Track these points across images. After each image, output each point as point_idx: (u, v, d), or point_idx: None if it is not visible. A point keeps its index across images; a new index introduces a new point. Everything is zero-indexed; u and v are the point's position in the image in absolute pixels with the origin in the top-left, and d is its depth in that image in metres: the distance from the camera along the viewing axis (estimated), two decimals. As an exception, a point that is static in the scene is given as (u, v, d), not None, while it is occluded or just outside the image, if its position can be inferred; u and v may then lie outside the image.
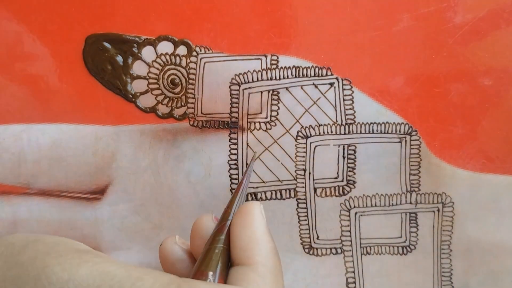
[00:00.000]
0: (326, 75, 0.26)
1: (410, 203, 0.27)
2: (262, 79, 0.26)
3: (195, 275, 0.17)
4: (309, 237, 0.27)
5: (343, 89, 0.26)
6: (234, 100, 0.26)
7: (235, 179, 0.27)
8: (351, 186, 0.27)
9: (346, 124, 0.26)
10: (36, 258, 0.16)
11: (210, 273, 0.17)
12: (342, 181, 0.27)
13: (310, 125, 0.26)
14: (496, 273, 0.27)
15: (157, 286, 0.15)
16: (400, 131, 0.26)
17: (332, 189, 0.27)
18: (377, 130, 0.26)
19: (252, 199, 0.27)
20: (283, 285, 0.18)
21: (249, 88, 0.26)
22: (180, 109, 0.26)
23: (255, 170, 0.27)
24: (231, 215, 0.20)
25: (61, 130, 0.26)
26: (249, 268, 0.18)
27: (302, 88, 0.26)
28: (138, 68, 0.26)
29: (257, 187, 0.27)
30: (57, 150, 0.26)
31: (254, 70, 0.26)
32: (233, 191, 0.24)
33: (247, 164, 0.27)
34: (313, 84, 0.26)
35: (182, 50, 0.26)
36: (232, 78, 0.26)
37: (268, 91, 0.26)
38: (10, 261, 0.16)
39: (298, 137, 0.26)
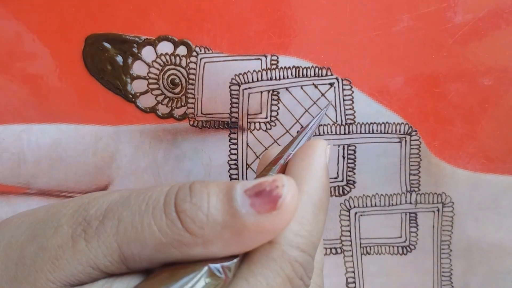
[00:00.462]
0: (326, 75, 0.26)
1: (410, 203, 0.27)
2: (262, 79, 0.26)
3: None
4: (309, 237, 0.27)
5: (343, 89, 0.26)
6: (234, 100, 0.26)
7: (235, 179, 0.27)
8: (351, 186, 0.27)
9: (346, 124, 0.26)
10: (70, 201, 0.16)
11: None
12: (342, 181, 0.27)
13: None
14: (496, 273, 0.27)
15: (174, 183, 0.15)
16: (400, 131, 0.26)
17: (332, 189, 0.27)
18: (377, 130, 0.26)
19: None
20: (324, 220, 0.18)
21: (249, 88, 0.26)
22: (180, 109, 0.26)
23: (254, 169, 0.27)
24: (290, 150, 0.20)
25: (61, 130, 0.26)
26: None
27: (302, 88, 0.26)
28: (138, 68, 0.26)
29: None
30: (57, 150, 0.26)
31: (254, 70, 0.26)
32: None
33: (247, 165, 0.27)
34: (313, 84, 0.26)
35: (182, 50, 0.26)
36: (232, 78, 0.26)
37: (268, 91, 0.26)
38: (36, 210, 0.17)
39: (298, 137, 0.26)
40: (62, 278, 0.14)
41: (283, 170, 0.19)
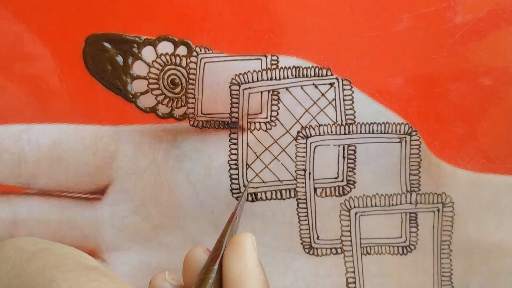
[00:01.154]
0: (326, 75, 0.26)
1: (410, 203, 0.27)
2: (262, 79, 0.26)
3: None
4: (309, 237, 0.27)
5: (343, 89, 0.26)
6: (234, 100, 0.26)
7: (235, 179, 0.27)
8: (351, 186, 0.27)
9: (346, 124, 0.26)
10: (44, 270, 0.16)
11: None
12: (342, 181, 0.27)
13: (310, 125, 0.26)
14: (496, 273, 0.27)
15: None
16: (400, 131, 0.26)
17: (332, 189, 0.27)
18: (377, 130, 0.26)
19: (253, 200, 0.27)
20: None
21: (249, 88, 0.26)
22: (180, 109, 0.26)
23: (255, 170, 0.27)
24: (224, 245, 0.20)
25: (61, 130, 0.26)
26: None
27: (302, 88, 0.26)
28: (138, 68, 0.26)
29: (257, 187, 0.27)
30: (57, 150, 0.26)
31: (254, 70, 0.26)
32: (227, 218, 0.24)
33: (247, 165, 0.27)
34: (313, 84, 0.26)
35: (182, 50, 0.26)
36: (232, 78, 0.26)
37: (268, 91, 0.26)
38: (17, 268, 0.16)
39: (298, 137, 0.26)
40: None
41: (220, 269, 0.19)
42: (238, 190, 0.27)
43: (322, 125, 0.26)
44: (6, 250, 0.17)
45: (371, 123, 0.26)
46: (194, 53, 0.26)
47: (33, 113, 0.26)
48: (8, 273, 0.16)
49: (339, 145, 0.26)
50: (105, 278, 0.16)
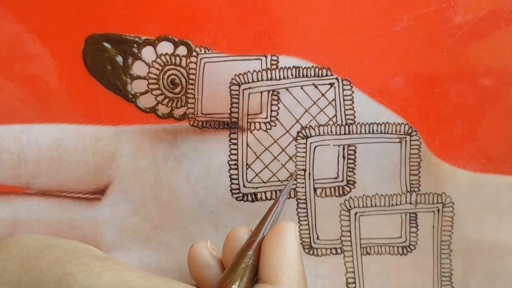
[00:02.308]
0: (326, 75, 0.26)
1: (410, 203, 0.27)
2: (262, 79, 0.26)
3: (219, 286, 0.17)
4: (309, 237, 0.27)
5: (343, 89, 0.26)
6: (234, 100, 0.26)
7: (235, 179, 0.27)
8: (351, 186, 0.27)
9: (346, 124, 0.26)
10: (56, 264, 0.15)
11: (234, 287, 0.17)
12: (342, 181, 0.27)
13: (310, 125, 0.26)
14: (496, 273, 0.27)
15: None
16: (400, 131, 0.26)
17: (332, 189, 0.27)
18: (377, 130, 0.26)
19: (253, 200, 0.27)
20: None
21: (249, 88, 0.26)
22: (180, 109, 0.26)
23: (255, 170, 0.27)
24: (262, 232, 0.20)
25: (61, 130, 0.26)
26: (274, 287, 0.18)
27: (302, 88, 0.26)
28: (138, 68, 0.26)
29: (257, 187, 0.27)
30: (57, 150, 0.26)
31: (254, 70, 0.26)
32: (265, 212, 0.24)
33: (247, 165, 0.27)
34: (313, 84, 0.26)
35: (182, 50, 0.26)
36: (232, 78, 0.26)
37: (268, 91, 0.26)
38: (26, 265, 0.16)
39: (298, 137, 0.26)
40: None
41: (258, 254, 0.19)
42: (238, 190, 0.27)
43: (322, 125, 0.26)
44: (10, 248, 0.17)
45: (371, 123, 0.26)
46: (194, 53, 0.26)
47: (33, 113, 0.26)
48: (16, 270, 0.16)
49: (339, 145, 0.26)
50: (119, 266, 0.16)
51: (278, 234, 0.19)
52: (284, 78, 0.26)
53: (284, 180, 0.27)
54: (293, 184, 0.26)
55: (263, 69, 0.26)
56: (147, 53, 0.26)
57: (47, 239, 0.18)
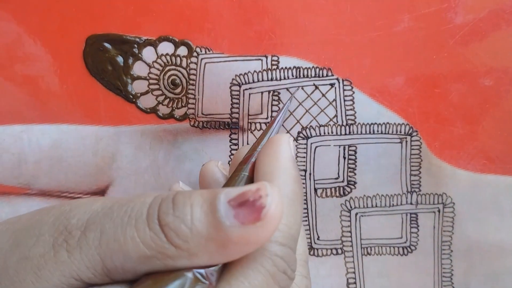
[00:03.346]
0: (327, 75, 0.26)
1: (411, 203, 0.27)
2: (262, 80, 0.26)
3: None
4: (310, 238, 0.27)
5: (344, 90, 0.26)
6: (234, 100, 0.26)
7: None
8: (352, 186, 0.27)
9: (346, 124, 0.26)
10: (52, 208, 0.16)
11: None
12: (342, 181, 0.27)
13: (311, 126, 0.26)
14: (496, 273, 0.27)
15: (157, 194, 0.15)
16: (400, 132, 0.26)
17: (333, 189, 0.27)
18: (377, 131, 0.26)
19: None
20: (300, 211, 0.18)
21: (250, 88, 0.26)
22: (180, 110, 0.26)
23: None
24: (259, 148, 0.20)
25: (61, 130, 0.26)
26: None
27: (302, 88, 0.26)
28: (138, 68, 0.26)
29: (257, 188, 0.27)
30: (57, 150, 0.26)
31: (254, 71, 0.26)
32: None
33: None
34: (314, 84, 0.26)
35: (182, 50, 0.26)
36: (233, 79, 0.26)
37: (269, 91, 0.26)
38: (21, 217, 0.16)
39: (299, 138, 0.26)
40: None
41: (252, 170, 0.19)
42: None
43: (322, 126, 0.26)
44: None
45: (371, 123, 0.26)
46: (195, 54, 0.26)
47: (33, 113, 0.26)
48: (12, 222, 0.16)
49: (339, 146, 0.26)
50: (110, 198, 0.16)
51: (271, 144, 0.19)
52: (284, 78, 0.26)
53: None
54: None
55: (264, 70, 0.26)
56: (148, 53, 0.26)
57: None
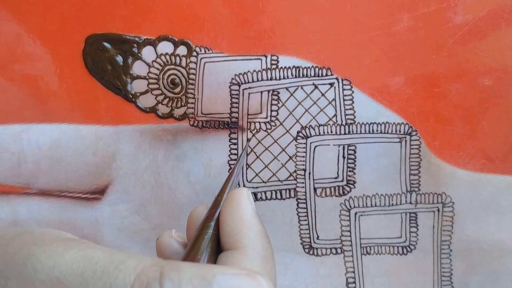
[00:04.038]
0: (326, 75, 0.26)
1: (410, 203, 0.27)
2: (262, 79, 0.26)
3: (184, 259, 0.18)
4: (309, 237, 0.27)
5: (343, 89, 0.26)
6: (234, 100, 0.26)
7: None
8: (351, 186, 0.27)
9: (346, 124, 0.26)
10: (22, 248, 0.15)
11: (198, 258, 0.17)
12: (342, 181, 0.27)
13: (310, 125, 0.26)
14: (496, 273, 0.27)
15: (140, 268, 0.14)
16: (400, 131, 0.26)
17: (332, 189, 0.27)
18: (377, 130, 0.26)
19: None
20: (273, 267, 0.18)
21: (249, 88, 0.26)
22: (180, 109, 0.26)
23: (255, 170, 0.27)
24: (222, 202, 0.20)
25: (61, 130, 0.26)
26: (237, 251, 0.18)
27: (302, 88, 0.26)
28: (138, 68, 0.26)
29: (257, 187, 0.27)
30: (57, 150, 0.26)
31: (254, 70, 0.26)
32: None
33: (247, 164, 0.27)
34: (313, 84, 0.26)
35: (182, 50, 0.26)
36: (232, 78, 0.26)
37: (268, 91, 0.26)
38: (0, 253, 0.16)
39: (298, 137, 0.26)
40: None
41: (218, 227, 0.19)
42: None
43: (322, 125, 0.26)
44: None
45: (371, 123, 0.26)
46: (194, 53, 0.26)
47: (33, 113, 0.26)
48: None
49: (339, 145, 0.26)
50: (83, 245, 0.15)
51: (232, 201, 0.19)
52: (284, 78, 0.26)
53: (284, 180, 0.27)
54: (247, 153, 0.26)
55: (263, 69, 0.26)
56: (147, 53, 0.26)
57: (21, 228, 0.18)
